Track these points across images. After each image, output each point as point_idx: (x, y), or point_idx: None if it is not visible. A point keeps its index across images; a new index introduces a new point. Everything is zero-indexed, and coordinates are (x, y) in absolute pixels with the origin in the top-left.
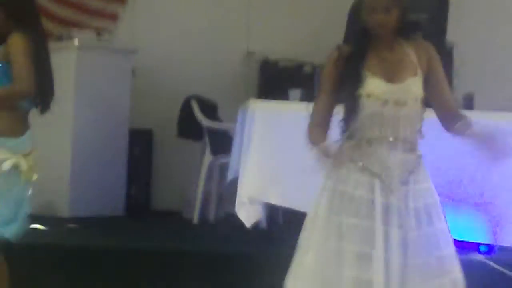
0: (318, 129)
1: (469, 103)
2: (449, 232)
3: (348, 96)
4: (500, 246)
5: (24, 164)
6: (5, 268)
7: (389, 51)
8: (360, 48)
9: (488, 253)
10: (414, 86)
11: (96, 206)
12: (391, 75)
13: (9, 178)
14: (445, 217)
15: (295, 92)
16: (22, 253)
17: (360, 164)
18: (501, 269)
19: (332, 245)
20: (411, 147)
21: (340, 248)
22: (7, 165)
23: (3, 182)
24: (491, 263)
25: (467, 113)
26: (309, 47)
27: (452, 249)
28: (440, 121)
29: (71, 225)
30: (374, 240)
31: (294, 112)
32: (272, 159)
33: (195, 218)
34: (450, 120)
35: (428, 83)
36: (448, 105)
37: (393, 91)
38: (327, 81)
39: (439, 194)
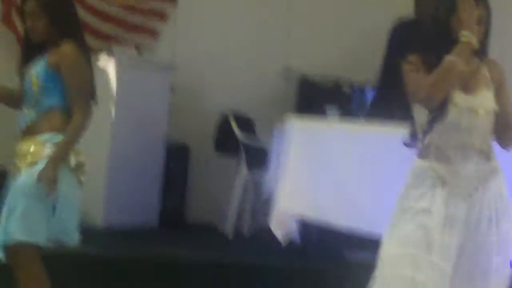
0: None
1: None
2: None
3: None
4: None
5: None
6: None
7: (466, 63)
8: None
9: None
10: (487, 98)
11: (130, 217)
12: (467, 86)
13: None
14: None
15: (333, 109)
16: (55, 263)
17: (434, 177)
18: None
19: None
20: (486, 157)
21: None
22: (73, 161)
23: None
24: None
25: None
26: (348, 64)
27: (505, 257)
28: (499, 135)
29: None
30: (431, 245)
31: (332, 129)
32: (309, 176)
33: (229, 232)
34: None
35: (497, 96)
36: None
37: (469, 102)
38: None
39: None
